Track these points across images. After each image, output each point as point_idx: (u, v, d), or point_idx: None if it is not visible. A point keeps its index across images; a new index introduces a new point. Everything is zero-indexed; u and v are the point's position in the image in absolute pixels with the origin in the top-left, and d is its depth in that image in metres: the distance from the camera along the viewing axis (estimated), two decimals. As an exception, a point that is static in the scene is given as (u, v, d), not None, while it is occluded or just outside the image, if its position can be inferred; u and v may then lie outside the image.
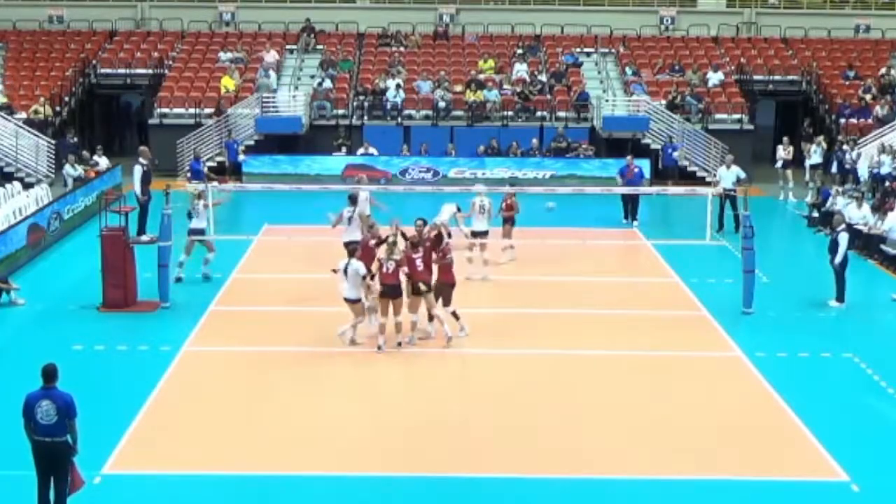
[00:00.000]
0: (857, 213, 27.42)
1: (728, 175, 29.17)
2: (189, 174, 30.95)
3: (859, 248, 26.32)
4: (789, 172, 34.82)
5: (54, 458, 12.28)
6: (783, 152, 34.93)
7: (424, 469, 14.30)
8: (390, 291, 18.39)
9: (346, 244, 20.65)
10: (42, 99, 37.63)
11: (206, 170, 31.83)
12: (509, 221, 24.57)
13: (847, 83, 40.53)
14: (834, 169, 34.84)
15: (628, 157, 31.51)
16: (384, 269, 18.36)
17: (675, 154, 35.59)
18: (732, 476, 14.17)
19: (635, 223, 30.03)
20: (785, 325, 20.91)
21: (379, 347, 18.46)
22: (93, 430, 14.69)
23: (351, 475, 14.12)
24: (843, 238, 21.74)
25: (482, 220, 23.43)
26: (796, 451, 15.10)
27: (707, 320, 21.04)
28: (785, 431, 15.71)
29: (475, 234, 23.38)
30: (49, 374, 12.35)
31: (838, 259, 21.78)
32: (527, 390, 17.21)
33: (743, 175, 29.46)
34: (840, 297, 22.00)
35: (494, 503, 13.54)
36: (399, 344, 18.74)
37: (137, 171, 27.30)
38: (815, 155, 35.44)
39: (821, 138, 36.44)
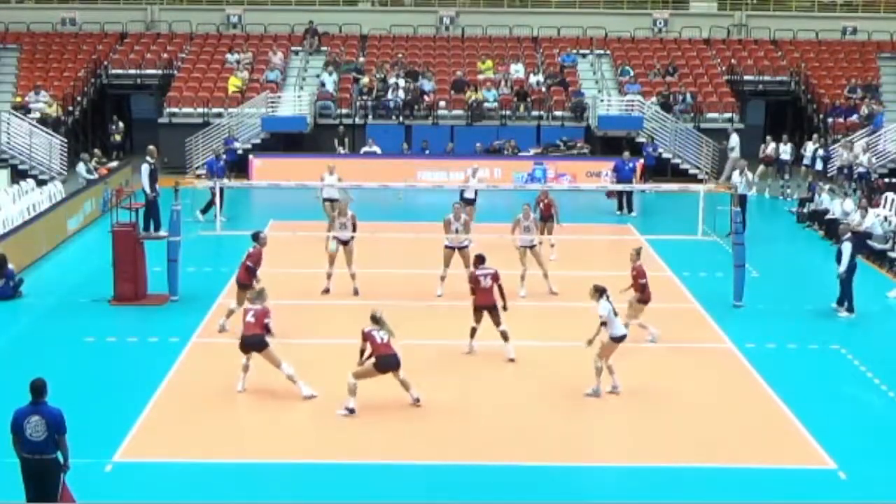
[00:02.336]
0: (840, 209, 28.34)
1: (741, 180, 29.88)
2: (207, 172, 31.29)
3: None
4: (769, 169, 36.16)
5: (44, 476, 11.89)
6: (767, 150, 36.21)
7: (429, 457, 14.68)
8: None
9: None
10: (50, 98, 38.25)
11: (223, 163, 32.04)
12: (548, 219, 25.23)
13: (832, 83, 41.51)
14: (818, 166, 35.89)
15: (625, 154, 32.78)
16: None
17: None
18: (722, 464, 14.53)
19: (632, 214, 31.10)
20: (774, 318, 21.31)
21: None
22: (104, 420, 15.38)
23: (356, 463, 14.45)
24: (847, 247, 21.53)
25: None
26: (785, 439, 15.42)
27: (699, 313, 21.48)
28: (774, 420, 16.06)
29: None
30: (38, 389, 11.87)
31: (842, 268, 21.49)
32: (522, 381, 17.55)
33: (751, 178, 30.30)
34: (849, 307, 21.75)
35: (492, 491, 13.74)
36: None
37: (145, 169, 28.05)
38: (806, 153, 36.45)
39: (815, 136, 37.51)
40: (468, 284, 19.06)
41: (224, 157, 32.82)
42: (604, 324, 16.61)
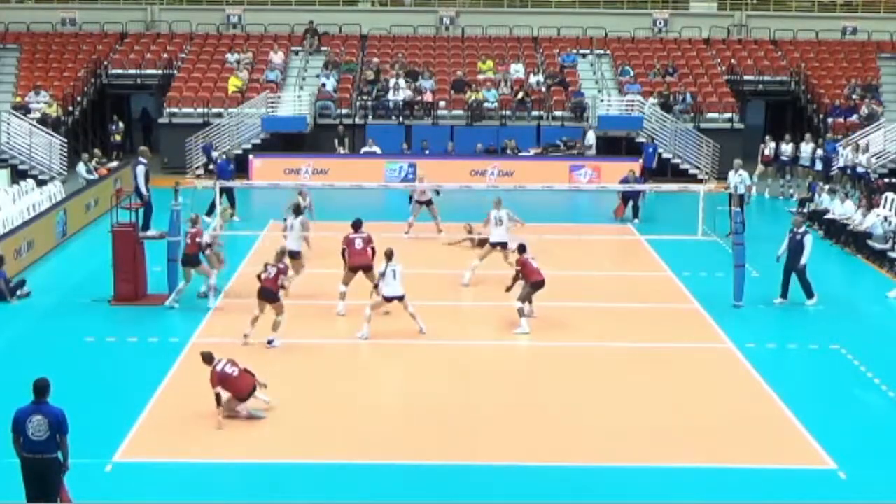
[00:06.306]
0: (841, 209, 28.40)
1: (736, 179, 29.86)
2: (217, 173, 30.75)
3: (846, 243, 27.27)
4: (769, 169, 36.19)
5: (44, 475, 11.90)
6: (766, 150, 36.21)
7: (425, 457, 14.70)
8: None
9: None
10: (50, 98, 38.25)
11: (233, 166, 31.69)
12: None
13: (832, 83, 41.52)
14: (818, 166, 35.91)
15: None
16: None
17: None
18: (722, 464, 14.58)
19: (636, 220, 31.22)
20: (774, 318, 21.44)
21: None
22: (104, 420, 15.38)
23: (353, 463, 14.49)
24: (809, 240, 21.99)
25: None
26: (785, 439, 15.47)
27: (699, 313, 21.50)
28: (774, 420, 16.11)
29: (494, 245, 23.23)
30: (41, 389, 11.93)
31: (804, 260, 21.88)
32: (524, 381, 17.62)
33: (748, 182, 30.37)
34: (810, 294, 22.15)
35: (492, 491, 13.80)
36: None
37: (140, 170, 27.84)
38: (804, 153, 36.50)
39: (807, 136, 37.55)
40: None
41: (215, 159, 32.43)
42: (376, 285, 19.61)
